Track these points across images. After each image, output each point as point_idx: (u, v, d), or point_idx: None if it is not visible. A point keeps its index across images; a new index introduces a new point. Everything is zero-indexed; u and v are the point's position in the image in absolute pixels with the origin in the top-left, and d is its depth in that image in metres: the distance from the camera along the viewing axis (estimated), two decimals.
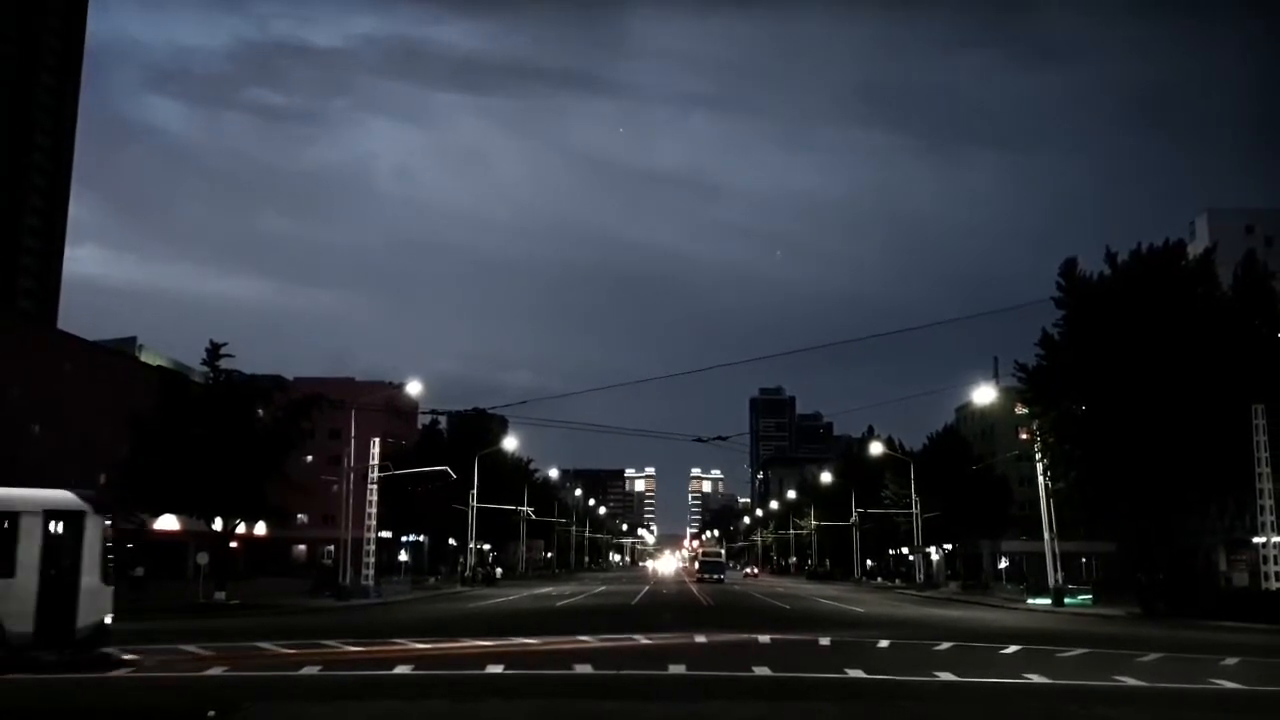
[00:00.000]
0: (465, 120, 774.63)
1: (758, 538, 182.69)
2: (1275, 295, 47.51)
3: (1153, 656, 23.13)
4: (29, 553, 19.74)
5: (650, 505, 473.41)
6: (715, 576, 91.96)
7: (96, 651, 20.39)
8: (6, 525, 19.86)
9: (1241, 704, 17.28)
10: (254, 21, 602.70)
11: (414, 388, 57.60)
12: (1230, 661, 22.23)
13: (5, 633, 19.15)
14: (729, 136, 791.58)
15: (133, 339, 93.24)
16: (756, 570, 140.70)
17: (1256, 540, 45.81)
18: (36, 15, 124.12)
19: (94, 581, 20.16)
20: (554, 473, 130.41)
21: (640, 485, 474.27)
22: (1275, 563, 40.12)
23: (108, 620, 20.47)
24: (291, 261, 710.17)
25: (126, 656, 20.89)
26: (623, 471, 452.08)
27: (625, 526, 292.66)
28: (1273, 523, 39.64)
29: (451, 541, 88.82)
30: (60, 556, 19.97)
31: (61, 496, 20.77)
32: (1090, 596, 49.37)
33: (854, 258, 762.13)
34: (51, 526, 20.07)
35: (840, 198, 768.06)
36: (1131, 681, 18.70)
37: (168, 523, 66.22)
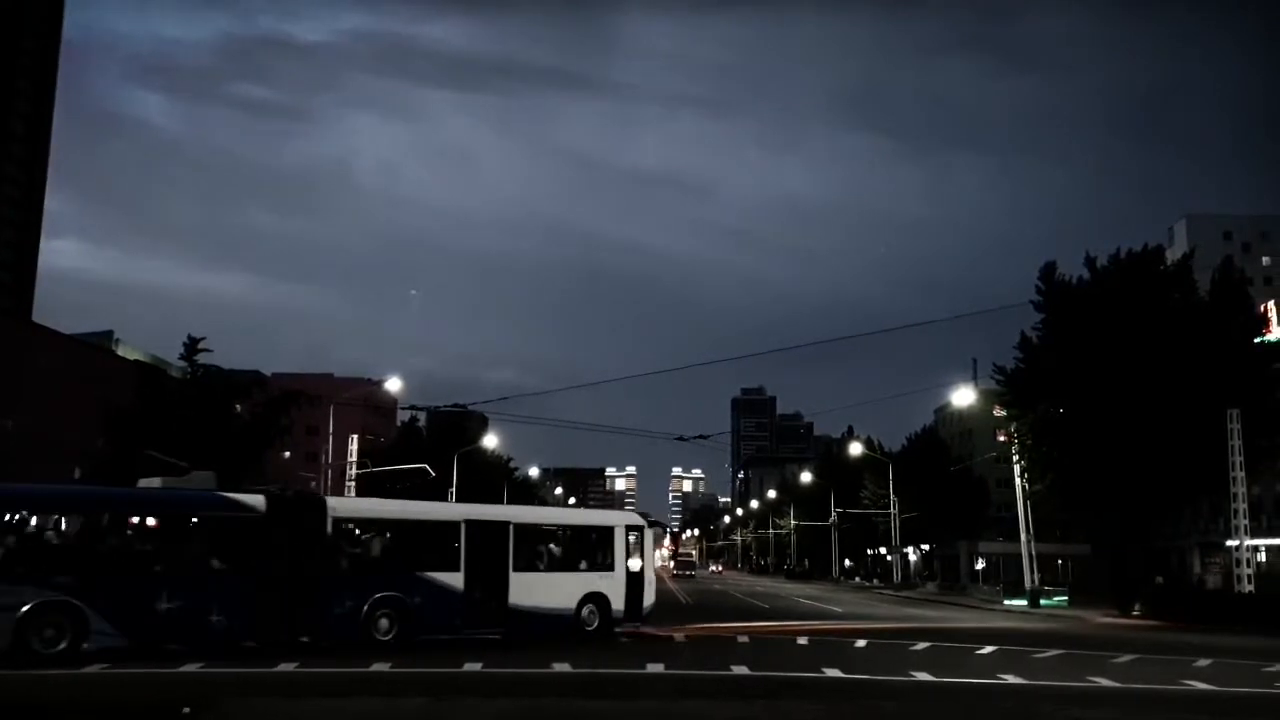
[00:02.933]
0: (452, 118, 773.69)
1: (738, 537, 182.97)
2: (1251, 301, 47.95)
3: (1127, 658, 23.31)
4: (620, 554, 27.31)
5: (631, 504, 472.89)
6: (688, 573, 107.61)
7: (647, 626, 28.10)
8: (606, 536, 27.56)
9: (1213, 705, 17.42)
10: (239, 15, 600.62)
11: (393, 384, 57.38)
12: (1203, 663, 22.43)
13: (610, 609, 26.59)
14: (717, 137, 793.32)
15: (109, 333, 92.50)
16: (721, 568, 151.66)
17: (1230, 543, 46.21)
18: (14, 4, 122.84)
19: (650, 575, 28.25)
20: (534, 471, 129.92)
21: (621, 484, 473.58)
22: (1248, 565, 40.51)
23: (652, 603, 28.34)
24: (273, 257, 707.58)
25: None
26: (603, 470, 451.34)
27: None
28: (1246, 526, 39.98)
29: None
30: (633, 557, 27.63)
31: (633, 515, 30.14)
32: (1066, 598, 49.67)
33: (840, 260, 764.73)
34: (629, 536, 27.71)
35: (827, 200, 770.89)
36: (1105, 682, 18.83)
37: None
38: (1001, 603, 51.40)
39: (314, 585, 21.97)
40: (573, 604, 25.99)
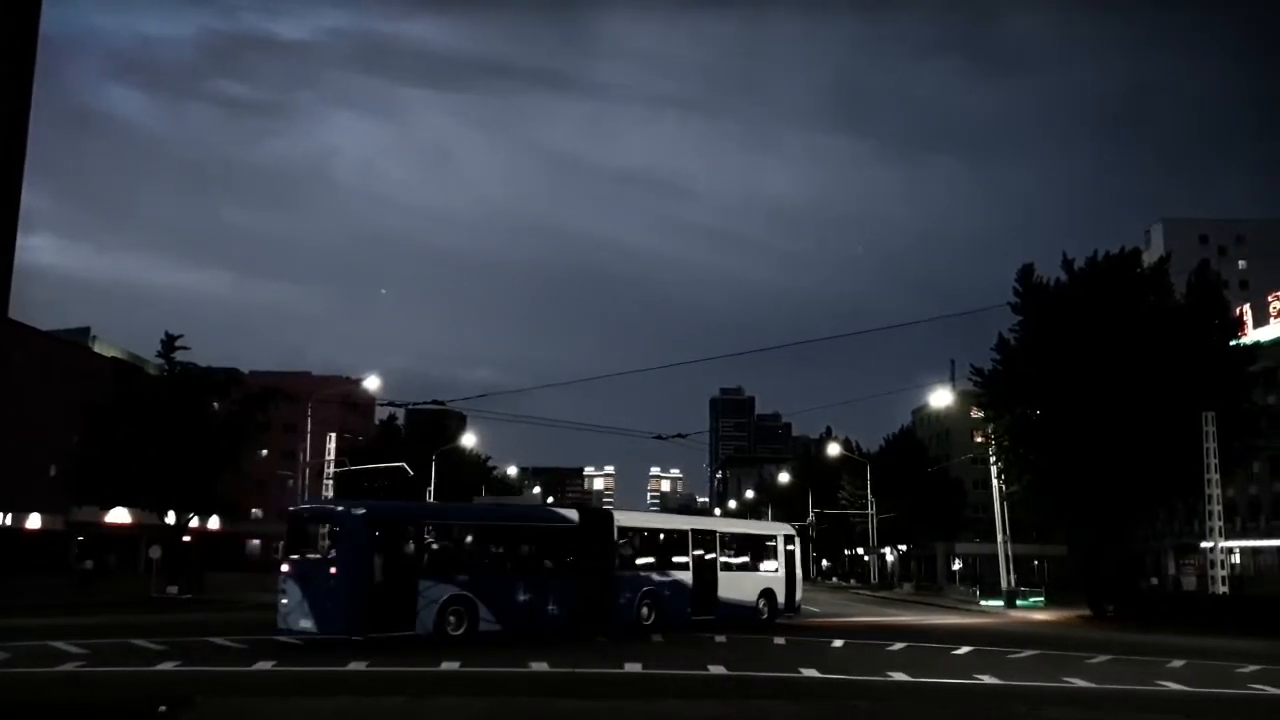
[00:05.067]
0: (432, 116, 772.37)
1: None
2: (1227, 304, 48.30)
3: (1101, 659, 23.46)
4: (779, 558, 33.70)
5: (610, 504, 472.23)
6: None
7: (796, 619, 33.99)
8: (773, 543, 34.07)
9: (1187, 706, 17.54)
10: (221, 12, 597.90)
11: (371, 383, 57.04)
12: (1177, 664, 22.59)
13: (777, 602, 32.76)
14: (698, 138, 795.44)
15: (86, 329, 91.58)
16: None
17: (1204, 545, 46.58)
18: None
19: (801, 575, 35.16)
20: (513, 470, 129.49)
21: (599, 483, 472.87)
22: (1222, 567, 40.86)
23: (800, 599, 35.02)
24: (250, 254, 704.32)
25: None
26: (582, 470, 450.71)
27: None
28: (1220, 528, 40.31)
29: None
30: (791, 560, 34.14)
31: (788, 527, 36.90)
32: (1042, 599, 49.93)
33: (819, 260, 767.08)
34: (785, 544, 34.01)
35: (808, 201, 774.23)
36: (1080, 683, 18.96)
37: (119, 515, 65.28)
38: (978, 603, 51.61)
39: (606, 581, 27.64)
40: (754, 597, 32.20)
